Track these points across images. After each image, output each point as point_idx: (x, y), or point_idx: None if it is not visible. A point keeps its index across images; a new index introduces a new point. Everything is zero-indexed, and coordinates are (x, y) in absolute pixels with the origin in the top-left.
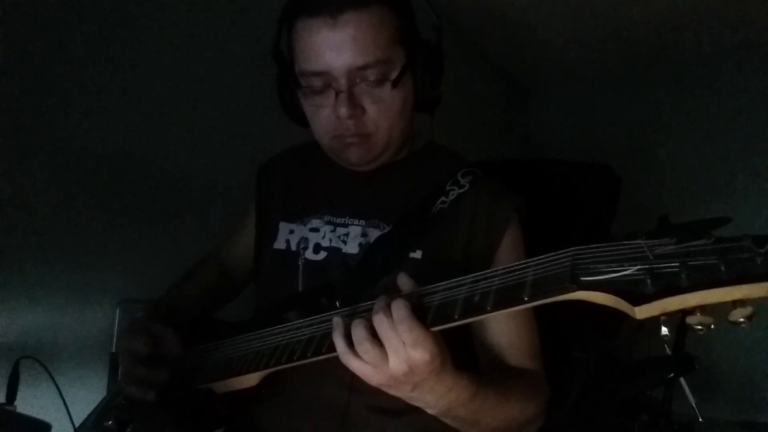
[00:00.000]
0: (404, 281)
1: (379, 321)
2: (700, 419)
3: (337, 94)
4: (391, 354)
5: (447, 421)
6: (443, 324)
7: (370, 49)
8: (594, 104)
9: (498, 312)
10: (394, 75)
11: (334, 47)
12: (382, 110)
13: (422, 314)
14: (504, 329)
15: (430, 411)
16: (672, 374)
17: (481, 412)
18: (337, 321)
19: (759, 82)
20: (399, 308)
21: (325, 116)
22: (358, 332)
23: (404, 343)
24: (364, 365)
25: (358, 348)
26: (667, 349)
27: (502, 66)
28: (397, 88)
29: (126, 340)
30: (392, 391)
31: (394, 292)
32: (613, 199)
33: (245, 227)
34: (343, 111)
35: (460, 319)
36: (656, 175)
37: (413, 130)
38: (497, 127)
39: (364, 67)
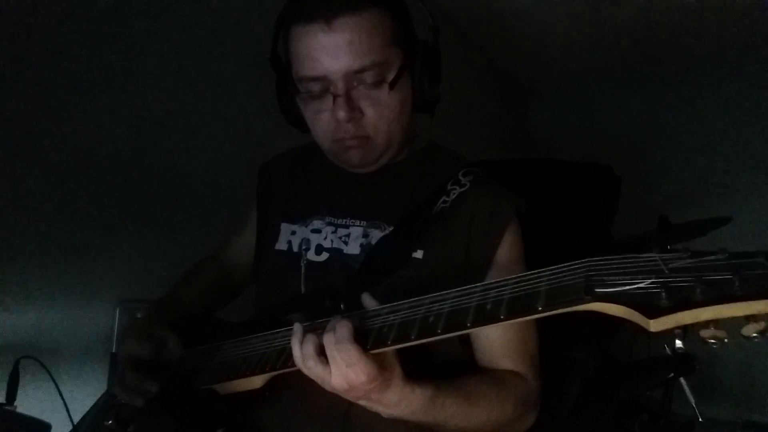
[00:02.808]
0: (368, 301)
1: (327, 339)
2: (700, 419)
3: (334, 98)
4: (334, 370)
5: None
6: (456, 330)
7: (365, 52)
8: (594, 104)
9: (514, 321)
10: (391, 77)
11: (330, 52)
12: (381, 112)
13: (363, 337)
14: (495, 332)
15: (384, 416)
16: (672, 374)
17: (441, 416)
18: (297, 327)
19: (759, 82)
20: (341, 328)
21: (324, 120)
22: (306, 349)
23: (345, 363)
24: (315, 375)
25: (304, 363)
26: (667, 349)
27: (502, 66)
28: (394, 89)
29: (129, 344)
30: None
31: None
32: (613, 199)
33: (246, 228)
34: (341, 114)
35: (473, 326)
36: (656, 175)
37: (414, 130)
38: (497, 127)
39: (361, 70)
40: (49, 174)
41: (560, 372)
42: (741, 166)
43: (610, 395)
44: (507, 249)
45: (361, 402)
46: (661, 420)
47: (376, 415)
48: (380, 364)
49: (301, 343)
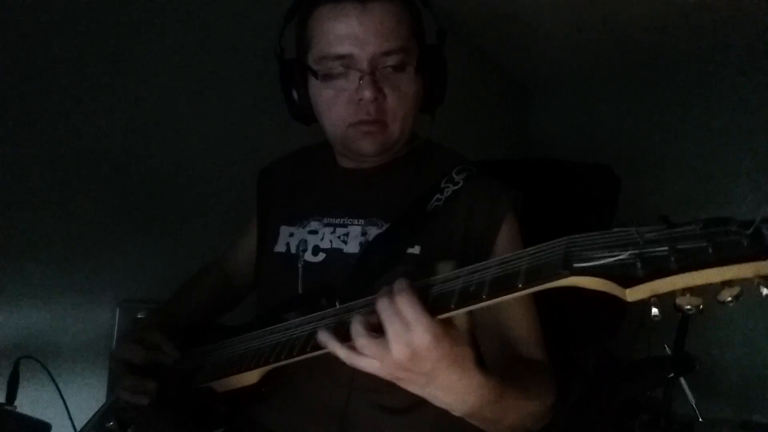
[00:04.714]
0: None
1: (382, 303)
2: (700, 419)
3: (361, 77)
4: (392, 340)
5: (472, 421)
6: (442, 312)
7: (394, 36)
8: (594, 104)
9: (496, 300)
10: (412, 64)
11: (360, 32)
12: (401, 97)
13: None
14: (513, 320)
15: (455, 413)
16: (672, 374)
17: (504, 411)
18: (322, 334)
19: (759, 81)
20: (399, 283)
21: (342, 102)
22: (356, 329)
23: (405, 323)
24: (370, 362)
25: (357, 345)
26: (667, 349)
27: (502, 66)
28: (413, 80)
29: (120, 347)
30: (410, 387)
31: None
32: (613, 199)
33: (247, 233)
34: (368, 94)
35: (456, 308)
36: (656, 175)
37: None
38: (497, 127)
39: (387, 53)
40: (49, 174)
41: (560, 372)
42: (740, 166)
43: (610, 395)
44: (505, 240)
45: (431, 391)
46: (661, 420)
47: (373, 411)
48: (445, 329)
49: (340, 343)
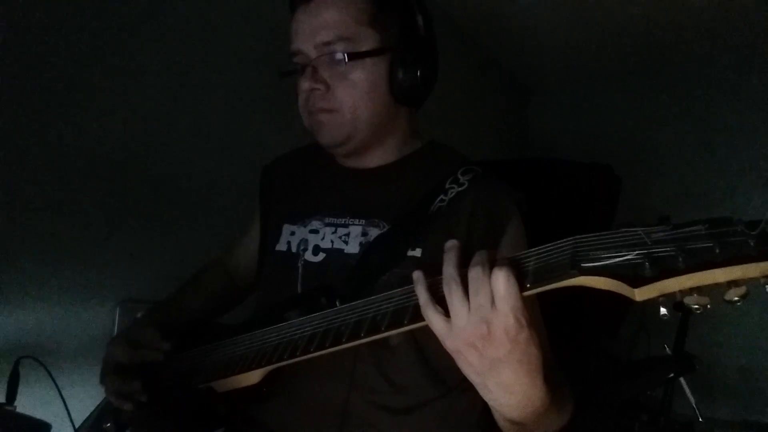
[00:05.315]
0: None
1: (475, 270)
2: (700, 419)
3: (303, 68)
4: (474, 308)
5: (503, 424)
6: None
7: (333, 26)
8: (594, 104)
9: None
10: (359, 51)
11: (305, 28)
12: (346, 87)
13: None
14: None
15: (499, 413)
16: (672, 374)
17: (542, 423)
18: (418, 275)
19: (759, 81)
20: (501, 259)
21: (302, 93)
22: (448, 270)
23: (492, 297)
24: (441, 320)
25: (447, 285)
26: (667, 349)
27: (502, 66)
28: (363, 69)
29: (108, 347)
30: (468, 369)
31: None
32: (613, 199)
33: (250, 232)
34: (305, 84)
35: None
36: (656, 175)
37: (414, 129)
38: (497, 127)
39: (328, 43)
40: (49, 173)
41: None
42: (741, 166)
43: (610, 395)
44: (510, 243)
45: (489, 383)
46: (661, 420)
47: (373, 411)
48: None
49: (426, 288)
